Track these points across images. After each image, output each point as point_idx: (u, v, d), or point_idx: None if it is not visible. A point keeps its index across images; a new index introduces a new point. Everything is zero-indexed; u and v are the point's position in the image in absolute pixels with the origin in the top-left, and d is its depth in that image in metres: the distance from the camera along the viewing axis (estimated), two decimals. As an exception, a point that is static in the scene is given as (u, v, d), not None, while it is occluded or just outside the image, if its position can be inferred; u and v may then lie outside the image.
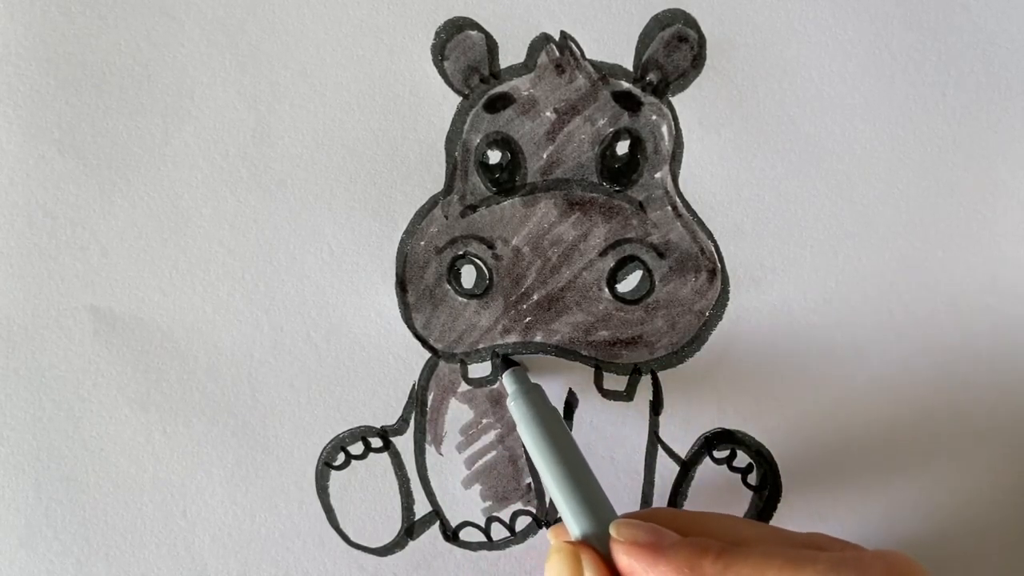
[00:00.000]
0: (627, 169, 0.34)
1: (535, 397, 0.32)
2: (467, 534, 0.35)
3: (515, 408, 0.32)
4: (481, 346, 0.35)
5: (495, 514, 0.35)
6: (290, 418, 0.34)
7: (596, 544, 0.28)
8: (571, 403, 0.35)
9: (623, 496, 0.35)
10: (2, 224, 0.34)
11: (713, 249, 0.35)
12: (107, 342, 0.34)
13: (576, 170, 0.34)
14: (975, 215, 0.35)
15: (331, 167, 0.34)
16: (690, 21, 0.35)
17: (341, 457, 0.35)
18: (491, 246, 0.34)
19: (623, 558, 0.26)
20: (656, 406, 0.35)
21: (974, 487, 0.35)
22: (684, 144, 0.35)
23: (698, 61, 0.35)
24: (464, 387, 0.35)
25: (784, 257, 0.35)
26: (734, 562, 0.24)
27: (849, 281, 0.35)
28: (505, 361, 0.34)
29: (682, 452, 0.35)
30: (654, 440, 0.35)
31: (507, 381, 0.33)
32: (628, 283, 0.34)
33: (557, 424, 0.31)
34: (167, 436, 0.34)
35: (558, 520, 0.35)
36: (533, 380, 0.33)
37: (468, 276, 0.34)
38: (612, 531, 0.27)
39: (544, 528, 0.35)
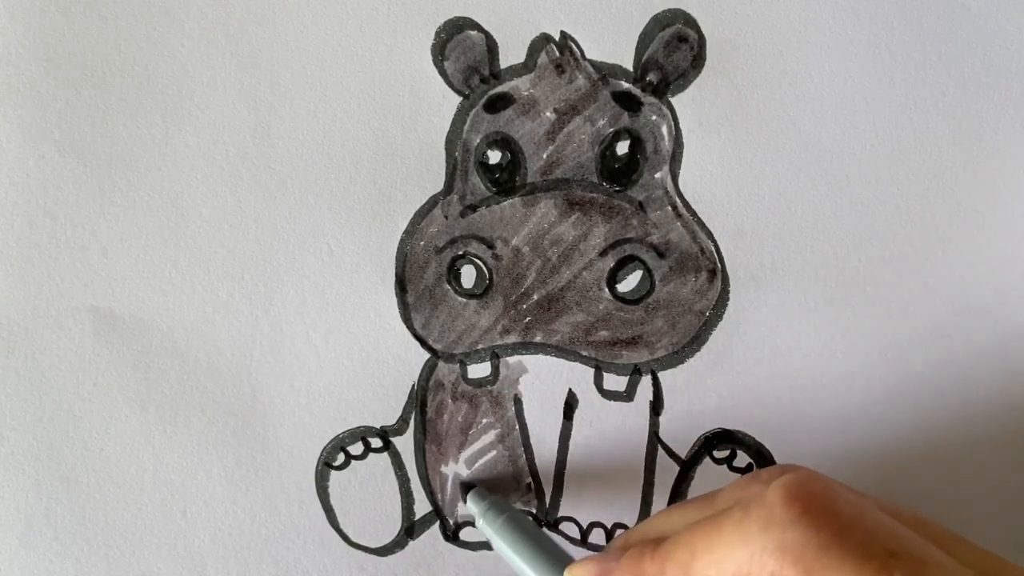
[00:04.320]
0: (627, 169, 0.34)
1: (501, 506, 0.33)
2: (467, 534, 0.35)
3: (486, 525, 0.33)
4: (481, 346, 0.35)
5: (495, 514, 0.35)
6: (290, 418, 0.34)
7: None
8: (571, 403, 0.35)
9: (623, 496, 0.35)
10: (2, 224, 0.34)
11: (713, 249, 0.35)
12: (107, 342, 0.34)
13: (576, 170, 0.34)
14: (975, 215, 0.35)
15: (331, 167, 0.34)
16: (690, 21, 0.35)
17: (341, 457, 0.35)
18: (491, 246, 0.34)
19: None
20: (656, 406, 0.35)
21: (975, 486, 0.35)
22: (684, 144, 0.35)
23: (698, 61, 0.35)
24: (464, 387, 0.35)
25: (784, 257, 0.35)
26: (669, 554, 0.26)
27: (849, 281, 0.35)
28: (464, 486, 0.35)
29: (682, 452, 0.35)
30: (654, 440, 0.35)
31: (472, 502, 0.34)
32: (628, 283, 0.34)
33: (524, 522, 0.33)
34: (167, 436, 0.34)
35: (559, 520, 0.35)
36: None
37: (468, 276, 0.34)
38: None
39: (544, 528, 0.35)
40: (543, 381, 0.35)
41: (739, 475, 0.35)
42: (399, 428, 0.35)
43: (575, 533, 0.35)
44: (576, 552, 0.34)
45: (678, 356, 0.35)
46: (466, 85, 0.35)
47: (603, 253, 0.34)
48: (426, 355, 0.35)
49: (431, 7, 0.34)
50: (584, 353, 0.35)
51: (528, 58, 0.34)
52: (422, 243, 0.34)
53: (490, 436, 0.35)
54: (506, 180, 0.34)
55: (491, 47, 0.34)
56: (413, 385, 0.35)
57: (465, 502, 0.34)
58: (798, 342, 0.35)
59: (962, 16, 0.35)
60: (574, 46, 0.34)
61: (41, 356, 0.34)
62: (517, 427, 0.35)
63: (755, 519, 0.24)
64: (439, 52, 0.34)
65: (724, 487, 0.29)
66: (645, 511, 0.35)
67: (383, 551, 0.35)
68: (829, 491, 0.24)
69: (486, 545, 0.35)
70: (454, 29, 0.34)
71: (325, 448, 0.35)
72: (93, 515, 0.34)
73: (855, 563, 0.22)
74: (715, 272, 0.35)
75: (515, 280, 0.34)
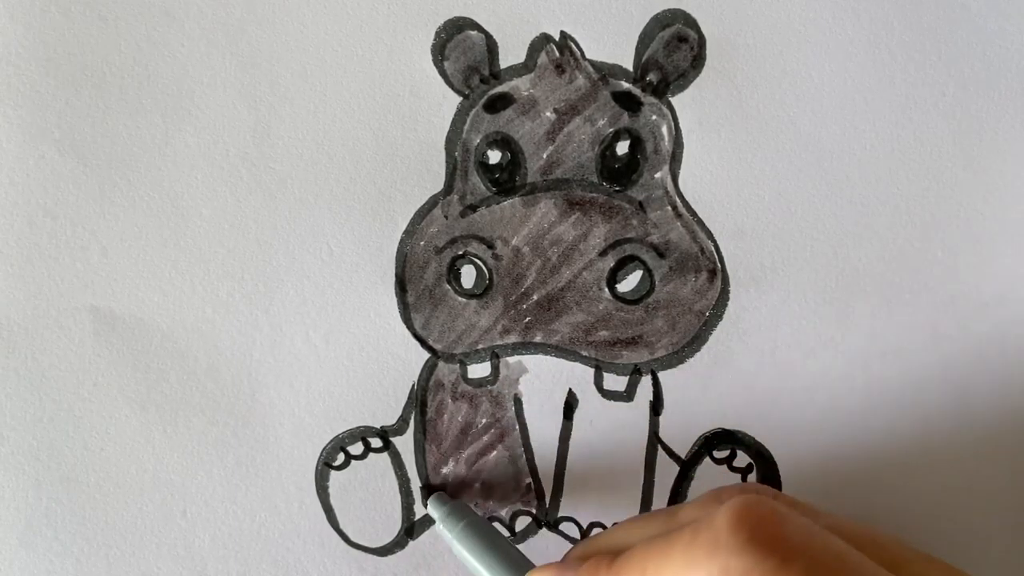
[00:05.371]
0: (627, 169, 0.34)
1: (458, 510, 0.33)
2: (467, 534, 0.35)
3: (445, 531, 0.33)
4: (480, 346, 0.35)
5: (495, 514, 0.35)
6: (290, 418, 0.34)
7: None
8: (571, 403, 0.35)
9: (623, 496, 0.35)
10: (2, 224, 0.34)
11: (713, 249, 0.35)
12: (107, 342, 0.34)
13: (576, 170, 0.34)
14: (975, 215, 0.35)
15: (331, 167, 0.34)
16: (690, 21, 0.35)
17: (341, 457, 0.35)
18: (491, 246, 0.34)
19: None
20: (656, 406, 0.35)
21: (975, 487, 0.35)
22: (684, 144, 0.35)
23: (698, 61, 0.35)
24: (464, 387, 0.35)
25: (784, 257, 0.35)
26: (621, 569, 0.26)
27: (849, 281, 0.35)
28: (425, 490, 0.35)
29: (682, 452, 0.35)
30: (654, 440, 0.35)
31: (432, 506, 0.34)
32: (628, 283, 0.34)
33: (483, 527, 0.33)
34: (167, 436, 0.34)
35: (559, 520, 0.35)
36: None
37: (468, 276, 0.34)
38: None
39: (544, 528, 0.35)
40: (543, 381, 0.35)
41: (739, 475, 0.35)
42: (399, 428, 0.35)
43: (575, 533, 0.35)
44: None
45: (678, 356, 0.35)
46: (466, 85, 0.35)
47: (603, 253, 0.34)
48: (426, 355, 0.35)
49: (431, 7, 0.34)
50: (584, 353, 0.35)
51: (528, 58, 0.34)
52: (422, 243, 0.34)
53: (490, 436, 0.35)
54: (506, 180, 0.34)
55: (491, 47, 0.34)
56: (413, 385, 0.35)
57: (426, 506, 0.34)
58: (798, 342, 0.35)
59: (962, 16, 0.35)
60: (574, 46, 0.34)
61: (41, 356, 0.34)
62: (517, 427, 0.35)
63: (702, 543, 0.23)
64: (439, 52, 0.34)
65: (690, 501, 0.29)
66: (645, 511, 0.35)
67: (383, 551, 0.35)
68: (777, 515, 0.23)
69: (486, 545, 0.35)
70: (454, 29, 0.34)
71: (325, 448, 0.35)
72: (93, 515, 0.34)
73: None
74: (715, 272, 0.35)
75: (515, 280, 0.34)
